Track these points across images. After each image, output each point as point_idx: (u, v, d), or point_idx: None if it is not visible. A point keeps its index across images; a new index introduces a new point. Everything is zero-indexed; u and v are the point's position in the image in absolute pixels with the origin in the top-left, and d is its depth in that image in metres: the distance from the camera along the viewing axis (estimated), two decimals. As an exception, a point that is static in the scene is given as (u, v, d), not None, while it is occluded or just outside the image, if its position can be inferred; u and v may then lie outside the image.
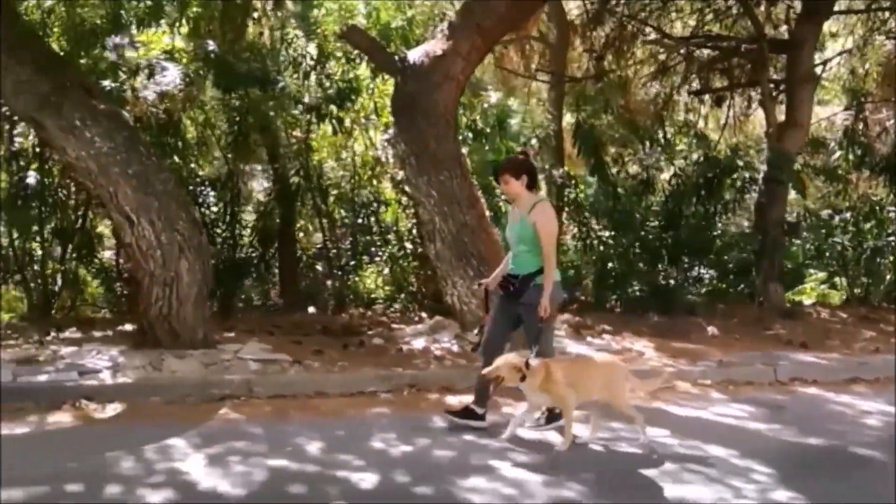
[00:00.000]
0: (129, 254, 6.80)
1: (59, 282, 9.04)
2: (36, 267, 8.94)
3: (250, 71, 8.47)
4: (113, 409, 5.78)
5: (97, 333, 7.74)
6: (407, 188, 8.40)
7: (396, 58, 8.51)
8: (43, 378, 6.14)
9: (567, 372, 4.99)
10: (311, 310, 9.69)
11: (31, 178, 8.29)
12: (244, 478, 4.39)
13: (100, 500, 4.08)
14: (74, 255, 8.93)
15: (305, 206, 10.09)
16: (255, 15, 10.82)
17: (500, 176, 5.46)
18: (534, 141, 10.35)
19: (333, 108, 9.57)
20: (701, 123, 13.16)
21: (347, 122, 9.85)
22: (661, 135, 10.88)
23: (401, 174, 9.83)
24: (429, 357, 7.29)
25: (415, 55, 8.33)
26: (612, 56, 12.61)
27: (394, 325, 8.56)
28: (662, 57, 12.81)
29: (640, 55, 13.26)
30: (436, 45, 8.28)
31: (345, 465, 4.62)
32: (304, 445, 4.98)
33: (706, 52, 12.61)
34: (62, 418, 5.55)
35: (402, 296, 9.92)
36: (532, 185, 5.48)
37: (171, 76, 7.66)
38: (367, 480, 4.39)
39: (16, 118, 8.01)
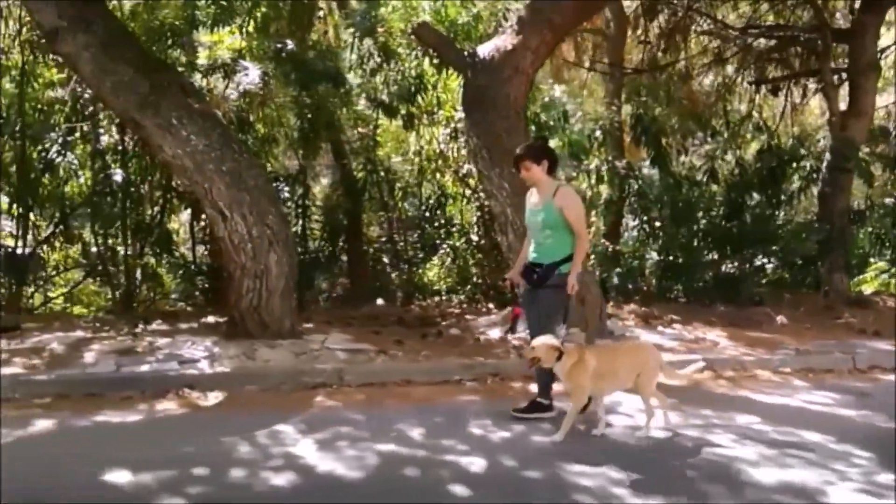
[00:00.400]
0: (220, 247, 7.02)
1: (139, 276, 9.31)
2: (116, 262, 9.23)
3: (325, 69, 8.66)
4: (214, 397, 6.01)
5: (183, 325, 8.02)
6: (478, 181, 8.51)
7: (465, 53, 8.65)
8: (145, 368, 6.40)
9: (601, 359, 5.01)
10: (379, 301, 9.89)
11: (118, 175, 8.57)
12: (358, 462, 4.56)
13: (226, 482, 4.28)
14: (156, 250, 9.20)
15: (371, 200, 10.28)
16: (320, 13, 11.04)
17: (521, 162, 5.40)
18: (598, 133, 10.40)
19: (402, 104, 9.74)
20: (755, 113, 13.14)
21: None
22: (722, 125, 10.87)
23: (465, 168, 10.05)
24: (507, 347, 7.44)
25: (484, 50, 8.45)
26: (669, 47, 12.62)
27: (467, 316, 8.71)
28: (719, 47, 12.78)
29: (696, 46, 13.25)
30: (506, 40, 8.39)
31: (450, 450, 4.77)
32: (407, 431, 5.13)
33: (762, 41, 12.57)
34: (169, 406, 5.79)
35: (468, 287, 10.06)
36: (552, 170, 5.44)
37: (253, 75, 7.87)
38: (476, 464, 4.53)
39: (100, 117, 8.29)
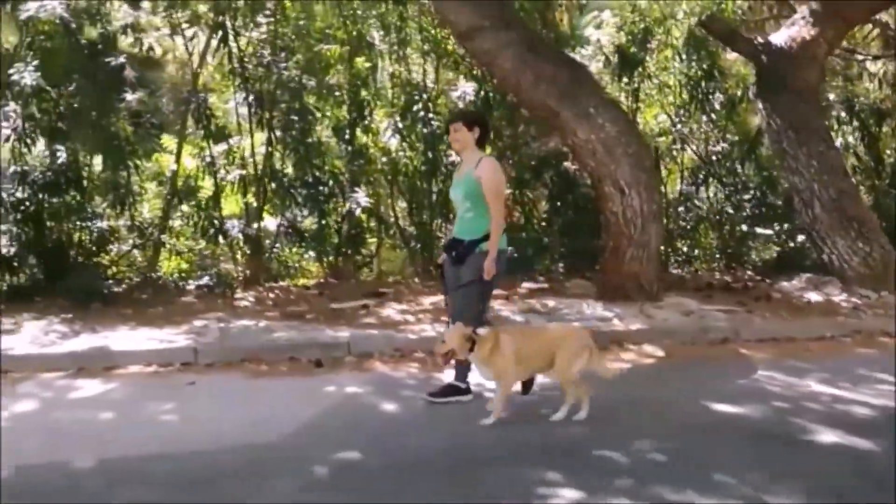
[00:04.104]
0: (609, 221, 7.86)
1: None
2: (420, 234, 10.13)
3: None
4: (653, 350, 6.89)
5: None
6: (779, 159, 9.41)
7: (757, 43, 9.53)
8: (576, 325, 7.27)
9: (519, 342, 4.75)
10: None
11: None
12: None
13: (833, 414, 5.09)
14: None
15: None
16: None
17: (453, 123, 5.20)
18: (843, 114, 11.30)
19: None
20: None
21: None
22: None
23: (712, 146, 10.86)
24: (839, 308, 8.35)
25: (779, 40, 9.36)
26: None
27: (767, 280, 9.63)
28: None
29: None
30: (800, 31, 9.29)
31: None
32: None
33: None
34: (631, 356, 6.70)
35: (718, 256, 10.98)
36: (483, 141, 5.22)
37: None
38: None
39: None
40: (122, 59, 8.43)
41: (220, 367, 6.10)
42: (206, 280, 8.97)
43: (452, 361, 5.00)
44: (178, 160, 9.76)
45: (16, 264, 8.51)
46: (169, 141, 10.14)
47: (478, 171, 4.98)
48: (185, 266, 9.90)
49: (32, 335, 6.57)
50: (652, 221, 7.82)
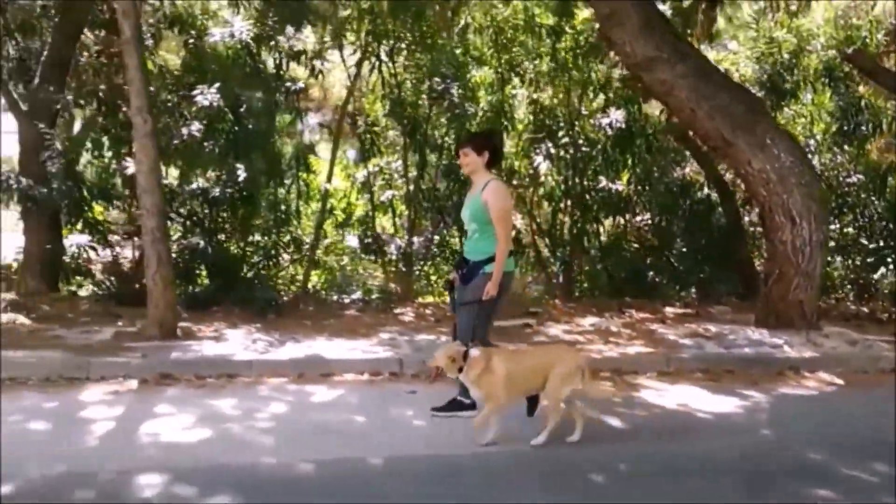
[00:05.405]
0: (775, 248, 8.03)
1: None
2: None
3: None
4: (829, 377, 6.97)
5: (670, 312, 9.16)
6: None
7: (901, 77, 9.64)
8: (747, 350, 7.45)
9: (511, 365, 4.71)
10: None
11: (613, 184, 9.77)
12: None
13: None
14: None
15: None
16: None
17: (462, 148, 5.19)
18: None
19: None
20: None
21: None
22: None
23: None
24: None
25: (925, 77, 9.45)
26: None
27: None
28: None
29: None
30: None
31: None
32: None
33: None
34: (814, 383, 6.80)
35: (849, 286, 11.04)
36: (493, 164, 5.20)
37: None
38: None
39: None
40: (300, 84, 8.85)
41: (425, 378, 6.38)
42: (358, 294, 9.39)
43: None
44: (329, 180, 10.22)
45: (193, 275, 8.98)
46: (316, 162, 10.63)
47: (484, 194, 4.99)
48: (324, 280, 10.35)
49: (241, 343, 6.96)
50: (819, 251, 7.97)
